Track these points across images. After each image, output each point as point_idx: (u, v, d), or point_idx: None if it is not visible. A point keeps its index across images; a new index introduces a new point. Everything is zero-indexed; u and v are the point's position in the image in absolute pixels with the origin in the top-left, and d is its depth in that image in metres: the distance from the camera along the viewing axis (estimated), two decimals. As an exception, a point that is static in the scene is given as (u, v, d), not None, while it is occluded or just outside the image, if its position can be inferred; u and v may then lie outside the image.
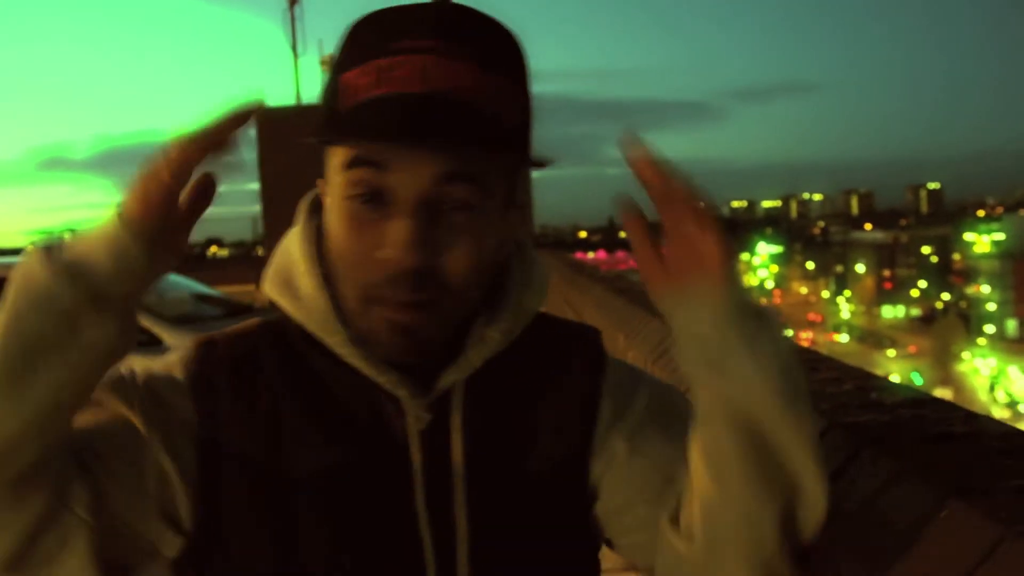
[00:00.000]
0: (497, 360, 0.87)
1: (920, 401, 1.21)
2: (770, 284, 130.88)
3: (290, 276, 0.87)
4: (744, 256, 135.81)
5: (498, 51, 0.81)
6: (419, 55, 0.76)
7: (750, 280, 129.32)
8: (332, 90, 0.80)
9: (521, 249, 0.92)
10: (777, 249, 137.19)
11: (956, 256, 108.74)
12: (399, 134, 0.75)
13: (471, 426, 0.86)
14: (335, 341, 0.83)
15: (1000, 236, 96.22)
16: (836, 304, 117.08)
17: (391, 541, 0.84)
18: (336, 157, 0.80)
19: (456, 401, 0.86)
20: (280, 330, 0.89)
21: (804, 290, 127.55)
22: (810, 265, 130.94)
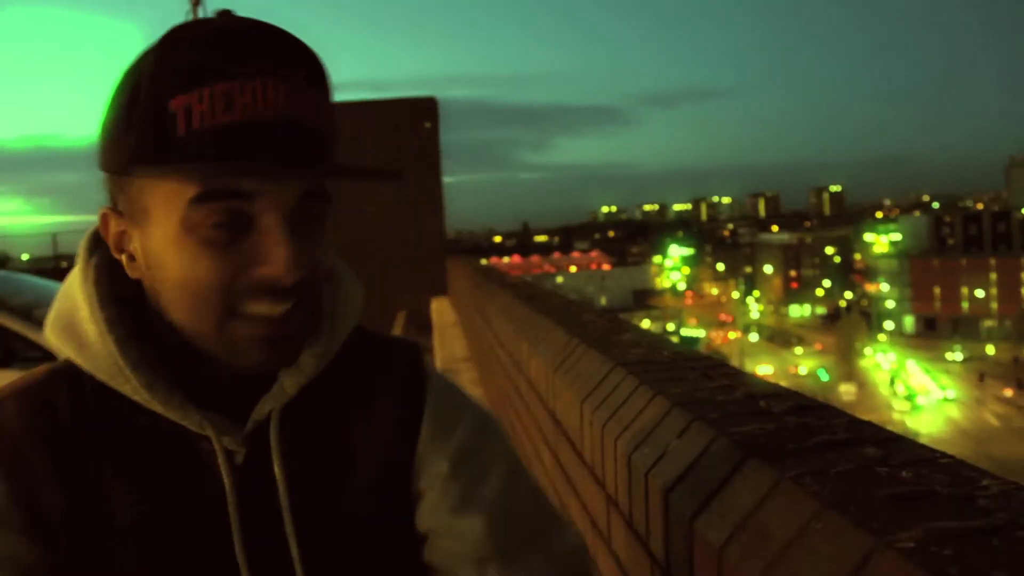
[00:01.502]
0: (316, 383, 0.86)
1: (807, 408, 1.22)
2: (682, 286, 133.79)
3: (73, 321, 0.83)
4: (657, 259, 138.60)
5: (316, 68, 0.80)
6: (257, 79, 0.74)
7: (663, 282, 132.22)
8: (155, 114, 0.74)
9: (335, 273, 0.91)
10: (688, 251, 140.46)
11: (857, 256, 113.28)
12: (276, 163, 0.74)
13: (291, 453, 0.84)
14: (127, 388, 0.80)
15: (897, 237, 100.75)
16: (746, 304, 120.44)
17: None
18: (176, 189, 0.75)
19: (273, 431, 0.83)
20: (74, 376, 0.83)
21: (715, 291, 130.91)
22: (720, 266, 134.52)
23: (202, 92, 0.73)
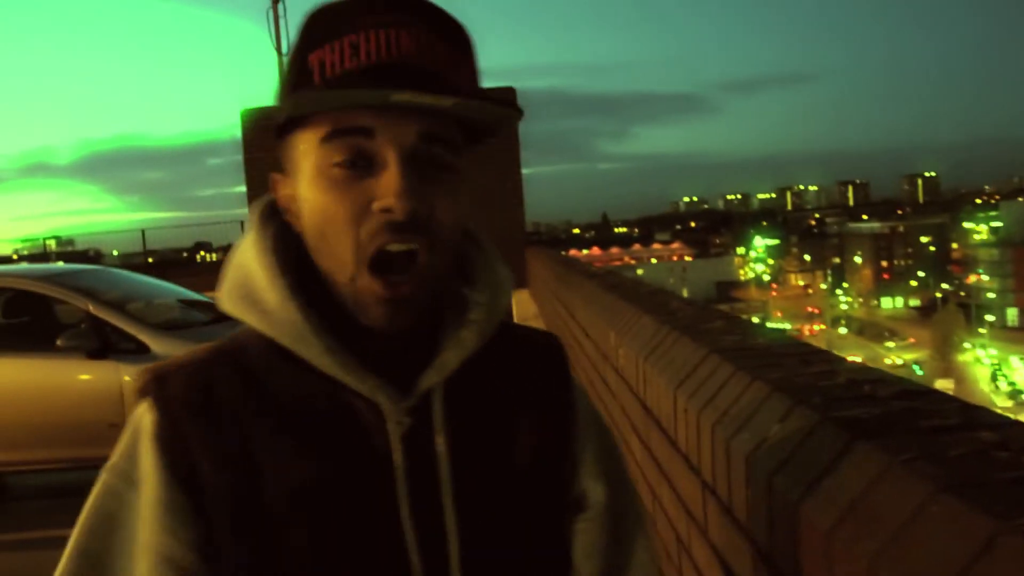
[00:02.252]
0: (471, 362, 0.88)
1: (914, 393, 1.18)
2: (767, 277, 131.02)
3: (251, 290, 0.86)
4: (740, 250, 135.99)
5: (452, 27, 0.84)
6: (386, 28, 0.79)
7: (747, 273, 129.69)
8: (298, 71, 0.82)
9: (480, 246, 0.94)
10: (773, 242, 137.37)
11: (954, 245, 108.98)
12: (391, 92, 0.77)
13: (452, 427, 0.86)
14: (311, 353, 0.83)
15: (998, 224, 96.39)
16: (834, 296, 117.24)
17: (377, 550, 0.83)
18: (311, 134, 0.82)
19: (436, 403, 0.86)
20: (237, 350, 0.87)
21: (801, 282, 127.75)
22: (807, 257, 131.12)
23: (333, 45, 0.80)
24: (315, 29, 0.82)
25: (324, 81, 0.79)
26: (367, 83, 0.78)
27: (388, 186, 0.79)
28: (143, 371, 0.86)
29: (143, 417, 0.84)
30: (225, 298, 0.87)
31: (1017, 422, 0.99)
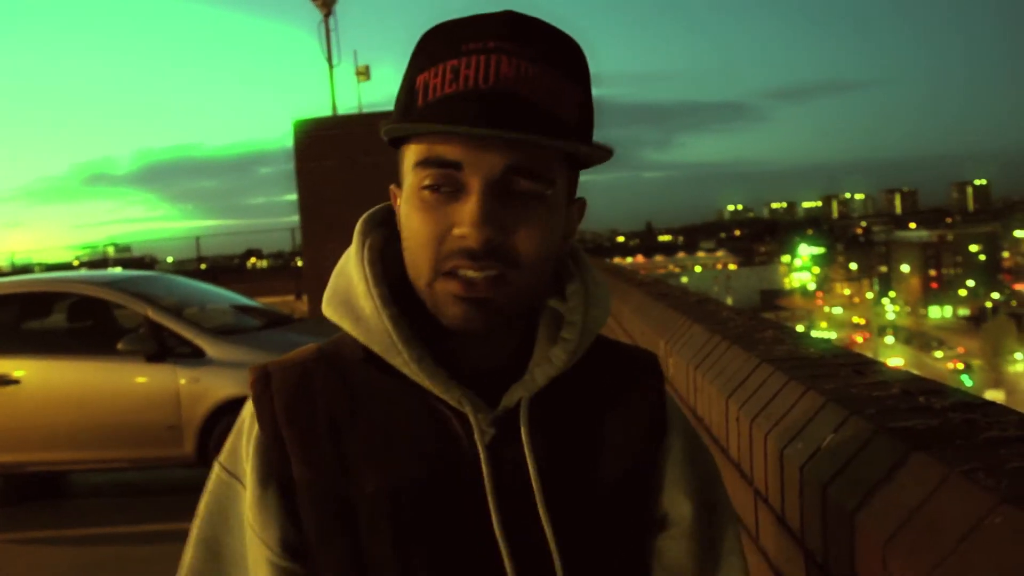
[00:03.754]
0: (562, 378, 0.90)
1: (971, 405, 1.18)
2: (812, 286, 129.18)
3: (349, 297, 0.90)
4: (785, 258, 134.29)
5: (561, 53, 0.85)
6: (488, 55, 0.81)
7: (792, 282, 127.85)
8: (407, 91, 0.85)
9: (579, 262, 0.95)
10: (819, 250, 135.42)
11: (1005, 254, 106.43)
12: (471, 122, 0.79)
13: (538, 441, 0.88)
14: (399, 361, 0.86)
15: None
16: (881, 305, 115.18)
17: (466, 557, 0.86)
18: (411, 156, 0.85)
19: (523, 417, 0.88)
20: (336, 353, 0.92)
21: (847, 291, 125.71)
22: (853, 266, 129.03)
23: (438, 68, 0.82)
24: (425, 50, 0.85)
25: (425, 104, 0.82)
26: (460, 111, 0.79)
27: (467, 215, 0.81)
28: (251, 368, 0.91)
29: (247, 417, 0.90)
30: (327, 303, 0.91)
31: (1077, 435, 0.99)
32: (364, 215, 0.95)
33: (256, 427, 0.88)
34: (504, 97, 0.79)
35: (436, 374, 0.86)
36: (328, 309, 0.91)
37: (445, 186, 0.83)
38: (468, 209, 0.81)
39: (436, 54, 0.83)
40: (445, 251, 0.83)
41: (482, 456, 0.86)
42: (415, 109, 0.83)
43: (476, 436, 0.86)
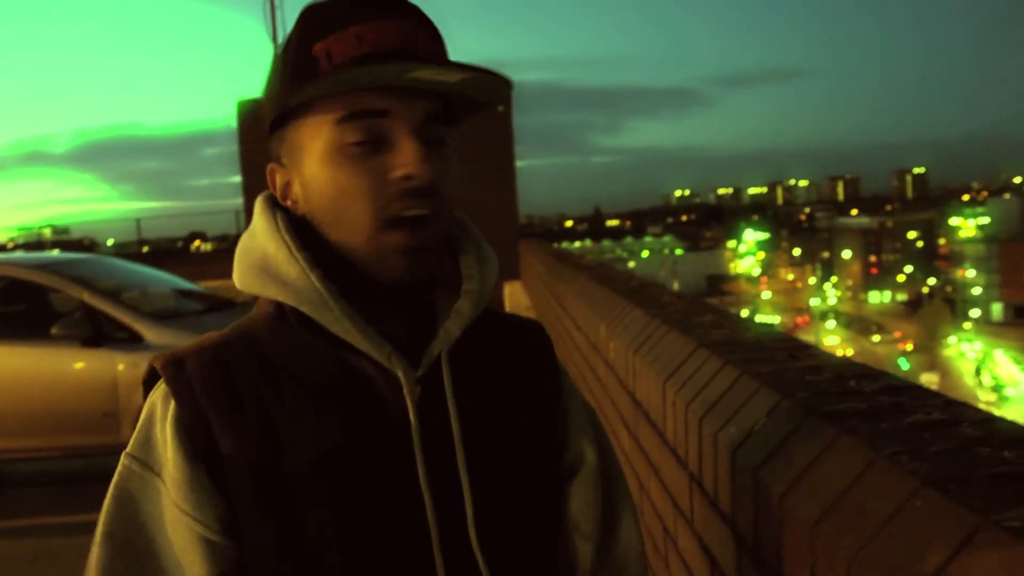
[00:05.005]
0: (469, 334, 0.94)
1: (899, 388, 1.19)
2: (757, 271, 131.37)
3: (270, 266, 0.90)
4: (731, 243, 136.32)
5: (433, 24, 0.92)
6: (384, 20, 0.86)
7: (737, 267, 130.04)
8: (301, 62, 0.87)
9: (465, 225, 1.00)
10: (764, 236, 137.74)
11: (942, 241, 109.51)
12: (403, 69, 0.83)
13: (460, 394, 0.92)
14: (331, 318, 0.87)
15: (985, 220, 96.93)
16: (823, 290, 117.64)
17: (396, 512, 0.87)
18: (321, 118, 0.87)
19: (444, 370, 0.91)
20: (248, 333, 0.92)
21: (791, 276, 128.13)
22: (797, 251, 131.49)
23: (338, 35, 0.86)
24: (316, 22, 0.88)
25: (332, 67, 0.85)
26: (379, 66, 0.83)
27: (408, 157, 0.85)
28: (156, 357, 0.90)
29: (159, 402, 0.88)
30: (241, 279, 0.92)
31: (997, 417, 1.01)
32: (261, 195, 0.96)
33: (173, 408, 0.87)
34: (412, 54, 0.86)
35: (366, 330, 0.88)
36: (246, 282, 0.92)
37: (373, 139, 0.86)
38: (408, 151, 0.85)
39: (331, 23, 0.87)
40: (388, 196, 0.86)
41: (412, 413, 0.88)
42: (321, 73, 0.85)
43: (406, 392, 0.88)
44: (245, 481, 0.85)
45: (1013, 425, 0.98)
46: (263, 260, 0.91)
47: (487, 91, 0.91)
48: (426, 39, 0.88)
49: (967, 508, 0.74)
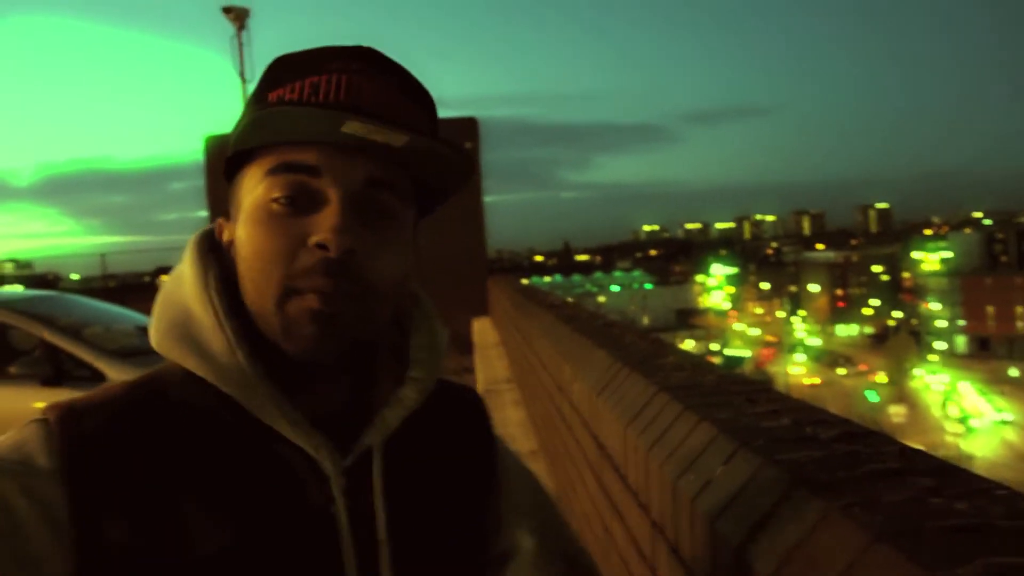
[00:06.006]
0: (407, 420, 0.86)
1: (855, 435, 1.19)
2: (726, 305, 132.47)
3: (192, 332, 0.80)
4: (700, 278, 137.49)
5: (417, 87, 0.85)
6: (348, 74, 0.80)
7: (706, 301, 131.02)
8: (255, 107, 0.81)
9: (419, 302, 0.92)
10: (732, 270, 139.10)
11: (906, 274, 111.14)
12: (342, 120, 0.75)
13: (390, 488, 0.83)
14: (256, 403, 0.78)
15: (948, 254, 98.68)
16: (791, 323, 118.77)
17: None
18: (257, 168, 0.81)
19: (376, 462, 0.83)
20: (159, 391, 0.81)
21: (759, 310, 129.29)
22: (765, 285, 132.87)
23: (294, 85, 0.79)
24: (278, 71, 0.82)
25: (262, 110, 0.78)
26: (321, 115, 0.76)
27: (326, 221, 0.76)
28: (54, 405, 0.77)
29: (39, 446, 0.74)
30: (161, 338, 0.81)
31: (952, 467, 1.01)
32: (193, 237, 0.86)
33: (59, 467, 0.72)
34: (365, 110, 0.77)
35: (295, 418, 0.79)
36: (164, 345, 0.81)
37: (298, 198, 0.78)
38: (327, 215, 0.76)
39: (291, 72, 0.81)
40: (298, 266, 0.76)
41: (340, 506, 0.80)
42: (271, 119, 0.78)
43: (333, 484, 0.80)
44: (134, 570, 0.71)
45: (968, 474, 0.98)
46: (185, 321, 0.80)
47: (441, 167, 0.82)
48: (395, 100, 0.80)
49: (918, 564, 0.74)
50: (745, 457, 1.16)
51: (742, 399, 1.53)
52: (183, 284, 0.83)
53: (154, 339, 0.82)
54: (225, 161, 0.84)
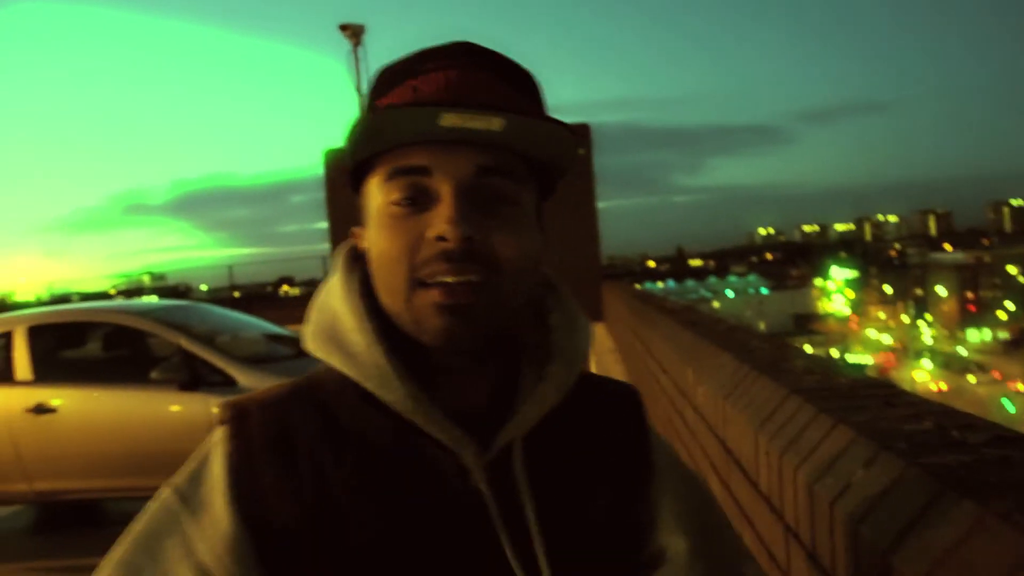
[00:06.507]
0: (548, 415, 0.87)
1: (1006, 440, 1.15)
2: (847, 310, 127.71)
3: (338, 332, 0.86)
4: (818, 282, 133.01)
5: (516, 72, 0.87)
6: (440, 72, 0.83)
7: (826, 306, 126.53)
8: (367, 118, 0.84)
9: (557, 293, 0.93)
10: (852, 274, 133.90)
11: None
12: (437, 114, 0.78)
13: (535, 482, 0.85)
14: (394, 398, 0.82)
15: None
16: (917, 328, 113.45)
17: None
18: (377, 177, 0.84)
19: (517, 461, 0.85)
20: (315, 390, 0.87)
21: (882, 315, 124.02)
22: (888, 289, 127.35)
23: (398, 90, 0.84)
24: (382, 80, 0.87)
25: (368, 118, 0.81)
26: (421, 114, 0.78)
27: (442, 214, 0.79)
28: (225, 403, 0.86)
29: (218, 446, 0.84)
30: (311, 339, 0.87)
31: (1117, 473, 0.96)
32: (343, 248, 0.91)
33: (230, 462, 0.82)
34: (461, 101, 0.80)
35: (431, 413, 0.82)
36: (314, 345, 0.87)
37: (416, 198, 0.81)
38: (442, 209, 0.79)
39: (394, 79, 0.85)
40: (421, 259, 0.80)
41: (488, 498, 0.82)
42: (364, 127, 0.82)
43: (479, 478, 0.82)
44: (292, 553, 0.79)
45: None
46: (333, 323, 0.86)
47: (547, 143, 0.83)
48: (491, 87, 0.82)
49: (1086, 571, 0.71)
50: (888, 460, 1.13)
51: (879, 402, 1.49)
52: (332, 291, 0.89)
53: (308, 341, 0.88)
54: (349, 174, 0.89)
